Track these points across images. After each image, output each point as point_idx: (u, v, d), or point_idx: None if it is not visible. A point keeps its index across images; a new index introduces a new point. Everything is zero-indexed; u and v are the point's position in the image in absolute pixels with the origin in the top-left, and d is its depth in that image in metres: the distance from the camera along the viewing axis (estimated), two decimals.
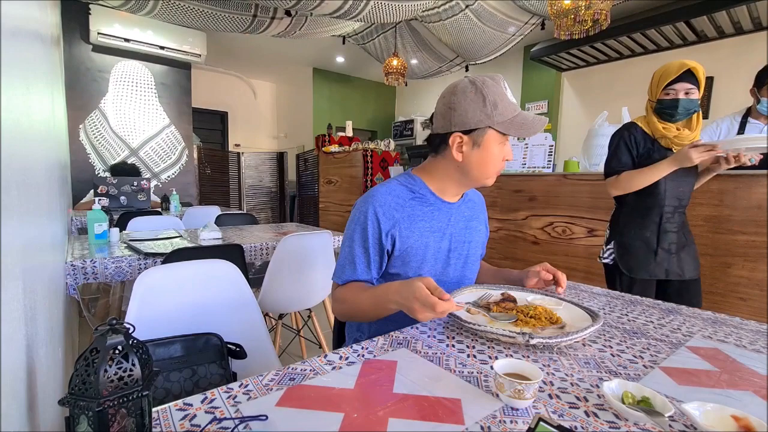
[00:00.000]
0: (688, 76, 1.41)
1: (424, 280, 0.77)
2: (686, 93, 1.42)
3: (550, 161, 2.56)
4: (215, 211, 3.38)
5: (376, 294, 0.89)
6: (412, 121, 6.95)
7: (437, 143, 1.00)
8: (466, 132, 0.94)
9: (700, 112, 1.47)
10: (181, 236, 2.24)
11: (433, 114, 1.02)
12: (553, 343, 0.76)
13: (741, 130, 1.95)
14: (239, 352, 1.01)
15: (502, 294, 1.02)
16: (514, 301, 0.97)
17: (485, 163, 0.96)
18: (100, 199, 3.06)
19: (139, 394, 0.46)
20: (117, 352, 0.46)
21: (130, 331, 0.48)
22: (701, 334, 0.89)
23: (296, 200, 7.04)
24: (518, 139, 2.72)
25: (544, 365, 0.72)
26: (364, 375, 0.68)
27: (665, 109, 1.46)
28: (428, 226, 1.01)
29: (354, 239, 0.98)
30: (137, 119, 4.66)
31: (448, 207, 1.05)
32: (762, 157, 1.46)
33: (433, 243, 1.01)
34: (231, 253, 1.88)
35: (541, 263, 1.11)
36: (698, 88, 1.41)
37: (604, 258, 1.65)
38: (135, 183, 3.44)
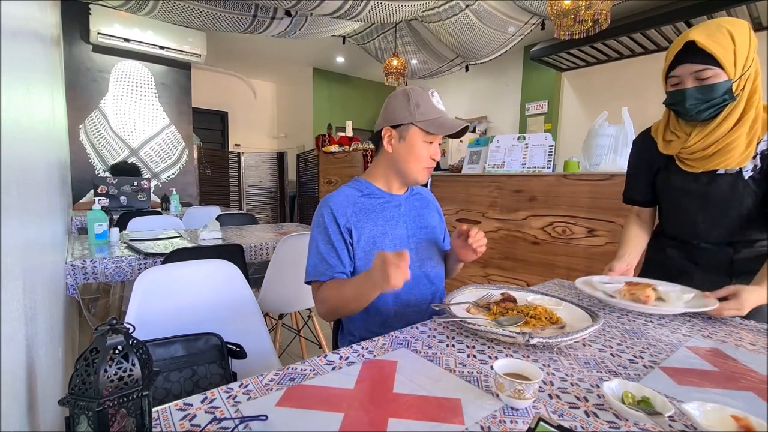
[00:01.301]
0: (694, 53, 0.96)
1: (381, 253, 0.85)
2: (696, 78, 0.98)
3: (550, 161, 2.55)
4: (215, 211, 3.38)
5: (355, 283, 0.96)
6: None
7: (376, 140, 1.14)
8: (395, 127, 1.08)
9: (740, 102, 0.98)
10: (181, 236, 2.24)
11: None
12: (553, 343, 0.76)
13: None
14: (239, 352, 1.01)
15: (502, 294, 1.02)
16: (514, 301, 0.98)
17: (410, 156, 1.08)
18: (100, 199, 3.07)
19: (139, 394, 0.46)
20: (117, 352, 0.46)
21: (130, 331, 0.48)
22: (701, 334, 0.89)
23: (296, 200, 7.05)
24: (518, 139, 2.72)
25: (544, 365, 0.72)
26: (364, 375, 0.68)
27: (672, 106, 1.06)
28: (381, 216, 1.11)
29: (318, 240, 1.07)
30: (137, 119, 4.65)
31: (397, 198, 1.15)
32: None
33: (390, 231, 1.10)
34: (231, 253, 1.88)
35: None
36: (720, 65, 0.94)
37: None
38: (135, 183, 3.44)
